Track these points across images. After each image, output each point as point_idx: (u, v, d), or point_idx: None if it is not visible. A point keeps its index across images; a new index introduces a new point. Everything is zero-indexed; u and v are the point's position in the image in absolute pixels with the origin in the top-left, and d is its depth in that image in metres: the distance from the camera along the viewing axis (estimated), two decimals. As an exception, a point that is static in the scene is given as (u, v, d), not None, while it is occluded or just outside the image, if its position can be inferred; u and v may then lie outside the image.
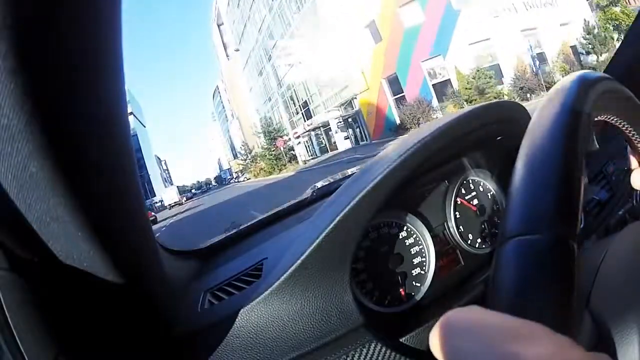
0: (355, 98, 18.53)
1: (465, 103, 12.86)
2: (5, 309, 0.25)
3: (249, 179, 29.57)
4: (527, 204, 0.20)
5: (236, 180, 36.98)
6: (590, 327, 0.28)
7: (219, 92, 48.79)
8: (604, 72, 0.59)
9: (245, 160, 30.87)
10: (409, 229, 0.47)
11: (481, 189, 0.54)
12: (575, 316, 0.17)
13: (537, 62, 13.34)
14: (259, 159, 26.68)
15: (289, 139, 26.34)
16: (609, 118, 0.32)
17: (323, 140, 24.09)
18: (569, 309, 0.17)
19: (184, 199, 31.64)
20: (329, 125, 21.71)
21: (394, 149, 0.43)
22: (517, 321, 0.14)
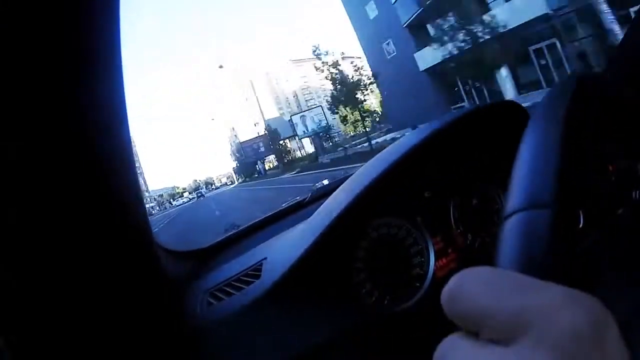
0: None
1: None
2: (6, 310, 0.25)
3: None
4: (528, 184, 0.23)
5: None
6: None
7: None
8: (603, 72, 0.59)
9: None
10: (408, 230, 0.47)
11: (481, 190, 0.54)
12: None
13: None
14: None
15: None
16: (608, 118, 0.33)
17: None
18: (568, 276, 0.18)
19: None
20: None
21: (392, 150, 0.43)
22: (526, 278, 0.15)
